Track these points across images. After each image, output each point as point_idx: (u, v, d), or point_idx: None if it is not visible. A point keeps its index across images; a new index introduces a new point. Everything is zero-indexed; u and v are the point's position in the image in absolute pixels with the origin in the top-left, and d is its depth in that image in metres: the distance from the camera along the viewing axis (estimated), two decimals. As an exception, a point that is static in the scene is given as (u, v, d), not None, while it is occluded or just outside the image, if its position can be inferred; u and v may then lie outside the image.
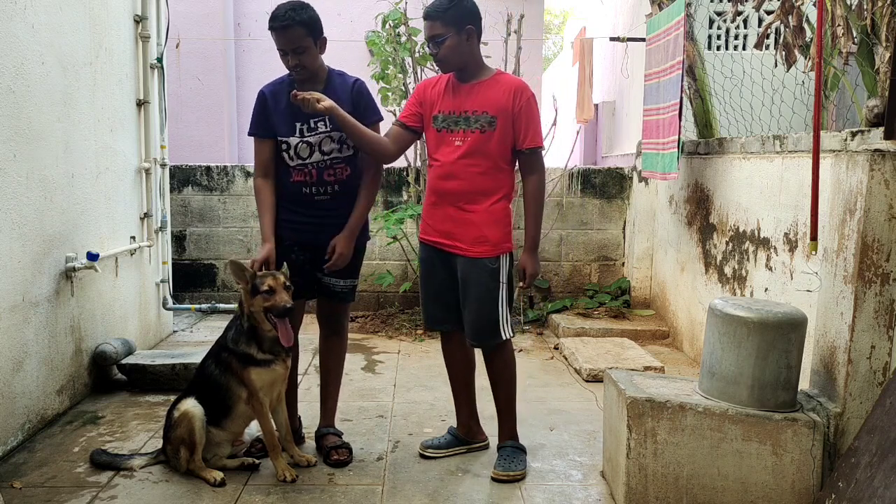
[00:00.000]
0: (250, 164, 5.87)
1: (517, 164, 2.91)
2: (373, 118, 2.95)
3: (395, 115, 5.49)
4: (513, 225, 2.95)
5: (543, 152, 2.92)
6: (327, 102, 2.67)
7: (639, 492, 2.56)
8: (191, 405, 2.81)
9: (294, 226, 2.96)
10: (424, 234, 3.01)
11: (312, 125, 2.88)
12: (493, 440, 3.11)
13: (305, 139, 2.89)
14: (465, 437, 3.13)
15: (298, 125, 2.89)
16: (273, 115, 2.91)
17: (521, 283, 2.93)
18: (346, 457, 3.00)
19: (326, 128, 2.88)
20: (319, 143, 2.89)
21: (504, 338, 2.89)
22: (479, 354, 3.05)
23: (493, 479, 2.86)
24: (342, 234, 2.90)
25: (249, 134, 2.99)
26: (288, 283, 2.74)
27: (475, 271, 2.83)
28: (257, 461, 2.96)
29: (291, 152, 2.90)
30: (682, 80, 4.27)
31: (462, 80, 2.86)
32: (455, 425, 3.18)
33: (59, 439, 3.22)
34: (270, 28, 2.77)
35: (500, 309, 2.86)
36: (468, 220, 2.83)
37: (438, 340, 5.01)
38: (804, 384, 2.73)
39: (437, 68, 4.93)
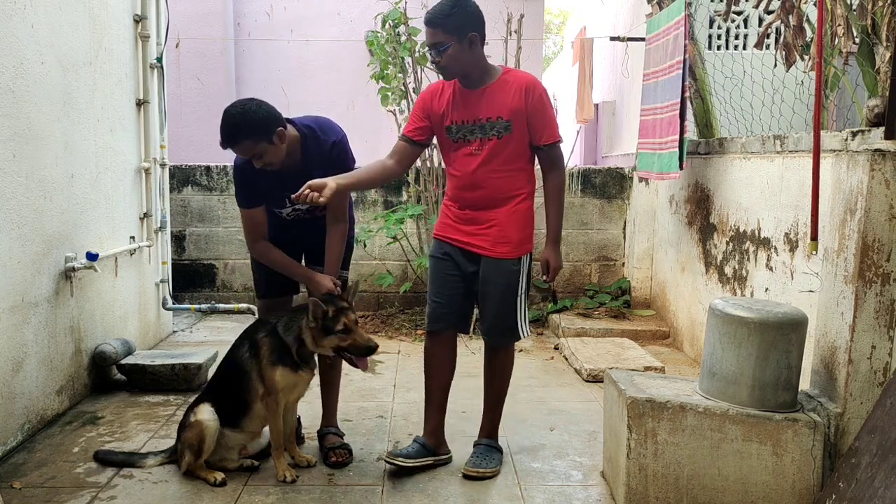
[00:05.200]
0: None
1: (536, 158, 2.87)
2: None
3: (395, 115, 5.49)
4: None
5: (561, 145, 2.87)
6: (328, 192, 2.54)
7: (639, 492, 2.56)
8: (207, 416, 2.77)
9: (279, 222, 2.96)
10: (442, 231, 2.94)
11: (292, 206, 2.86)
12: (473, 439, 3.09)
13: (297, 208, 2.87)
14: (433, 446, 2.97)
15: (286, 201, 2.86)
16: (259, 184, 2.83)
17: (544, 277, 2.92)
18: (345, 458, 2.98)
19: None
20: (314, 207, 2.82)
21: (522, 336, 2.91)
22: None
23: (464, 476, 2.86)
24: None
25: (239, 206, 2.91)
26: (357, 318, 2.72)
27: (497, 271, 2.82)
28: (256, 462, 2.95)
29: (283, 213, 2.91)
30: (682, 80, 4.26)
31: (469, 86, 2.77)
32: (421, 434, 3.01)
33: (58, 440, 3.22)
34: (222, 146, 2.68)
35: (518, 308, 2.87)
36: (491, 222, 2.81)
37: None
38: (804, 384, 2.73)
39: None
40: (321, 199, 2.52)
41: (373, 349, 2.67)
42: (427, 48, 2.75)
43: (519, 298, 2.87)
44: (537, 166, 2.88)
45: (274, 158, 2.70)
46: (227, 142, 2.65)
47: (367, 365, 2.74)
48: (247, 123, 2.61)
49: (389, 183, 3.01)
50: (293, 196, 2.58)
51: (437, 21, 2.64)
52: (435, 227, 3.03)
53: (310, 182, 2.55)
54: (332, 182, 2.56)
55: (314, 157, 2.80)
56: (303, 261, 3.07)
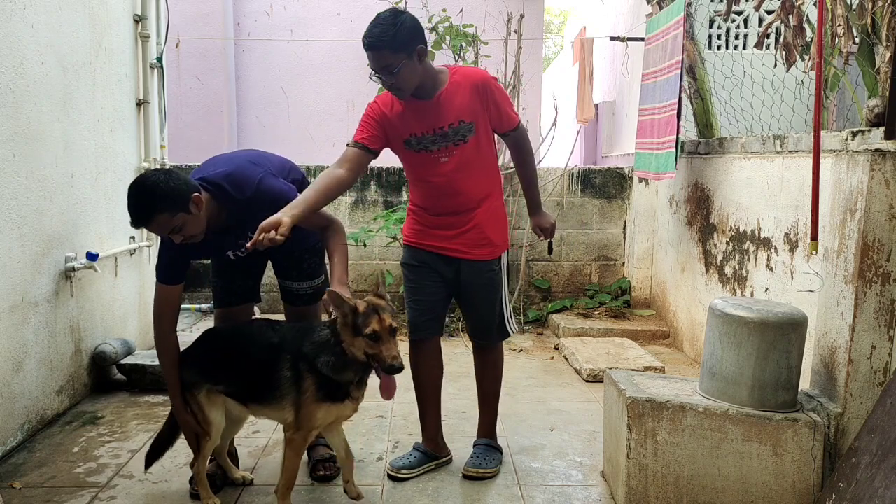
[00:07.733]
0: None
1: (496, 141, 2.86)
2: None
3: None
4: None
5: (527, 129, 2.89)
6: (284, 229, 2.30)
7: (639, 492, 2.56)
8: (218, 419, 2.55)
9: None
10: (416, 238, 2.87)
11: (243, 252, 2.60)
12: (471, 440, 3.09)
13: (241, 259, 2.71)
14: (434, 452, 2.97)
15: (230, 253, 2.70)
16: (192, 255, 2.65)
17: (541, 237, 2.95)
18: (334, 472, 2.84)
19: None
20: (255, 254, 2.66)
21: (511, 333, 2.94)
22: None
23: (464, 476, 2.88)
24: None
25: (160, 280, 2.57)
26: (395, 325, 2.31)
27: (480, 275, 2.83)
28: (251, 476, 2.82)
29: (231, 257, 2.73)
30: (681, 80, 4.27)
31: (422, 97, 2.66)
32: (420, 441, 3.01)
33: (58, 439, 3.22)
34: (135, 224, 2.42)
35: (505, 307, 2.90)
36: (469, 224, 2.79)
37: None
38: (805, 384, 2.73)
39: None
40: (279, 238, 2.28)
41: (396, 368, 2.26)
42: (374, 71, 2.57)
43: (503, 297, 2.90)
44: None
45: (195, 230, 2.46)
46: (140, 219, 2.37)
47: (392, 391, 2.36)
48: (160, 195, 2.34)
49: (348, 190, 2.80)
50: (248, 245, 2.31)
51: (383, 43, 2.49)
52: (405, 234, 2.94)
53: (261, 224, 2.30)
54: (285, 217, 2.32)
55: (239, 210, 2.54)
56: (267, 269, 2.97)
